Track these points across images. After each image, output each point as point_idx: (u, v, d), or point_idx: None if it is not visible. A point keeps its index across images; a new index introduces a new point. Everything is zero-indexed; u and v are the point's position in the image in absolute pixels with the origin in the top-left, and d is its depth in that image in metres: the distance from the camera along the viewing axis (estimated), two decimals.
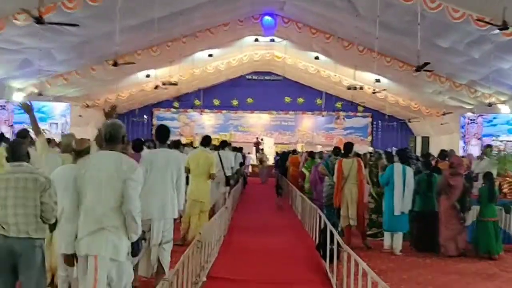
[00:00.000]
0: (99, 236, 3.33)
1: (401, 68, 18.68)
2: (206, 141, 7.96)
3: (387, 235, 7.44)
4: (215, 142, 19.86)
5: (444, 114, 19.68)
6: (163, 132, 5.52)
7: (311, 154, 12.10)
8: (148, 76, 21.74)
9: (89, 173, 3.44)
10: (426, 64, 10.43)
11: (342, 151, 8.44)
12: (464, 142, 19.62)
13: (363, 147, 27.82)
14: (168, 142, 6.39)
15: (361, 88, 21.69)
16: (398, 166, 7.36)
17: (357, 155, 10.61)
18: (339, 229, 7.70)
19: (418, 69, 10.74)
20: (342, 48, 18.93)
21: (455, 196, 7.22)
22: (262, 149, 23.74)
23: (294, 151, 15.79)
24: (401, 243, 7.44)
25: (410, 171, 7.41)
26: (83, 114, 23.26)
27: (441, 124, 22.07)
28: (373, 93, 16.73)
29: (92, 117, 25.25)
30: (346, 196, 7.82)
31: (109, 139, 3.51)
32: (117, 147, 3.53)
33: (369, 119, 31.20)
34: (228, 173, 10.08)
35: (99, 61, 18.05)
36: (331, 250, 5.58)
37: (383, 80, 21.49)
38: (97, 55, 17.19)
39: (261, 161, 21.51)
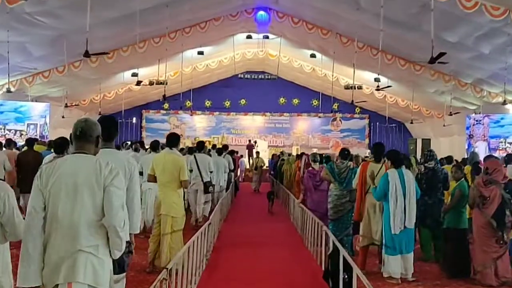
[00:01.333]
0: (74, 260, 2.73)
1: (403, 66, 17.59)
2: (171, 141, 6.31)
3: (393, 260, 5.74)
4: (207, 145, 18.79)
5: (451, 114, 18.57)
6: (105, 127, 3.74)
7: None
8: (135, 75, 20.44)
9: (58, 181, 2.82)
10: (441, 54, 9.24)
11: (372, 154, 7.13)
12: (470, 144, 18.51)
13: (360, 150, 26.78)
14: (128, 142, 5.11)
15: (359, 87, 20.65)
16: (392, 173, 5.87)
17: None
18: (356, 247, 6.46)
19: (432, 61, 9.54)
20: (340, 44, 17.82)
21: (491, 210, 5.79)
22: (258, 153, 21.16)
23: (302, 154, 13.96)
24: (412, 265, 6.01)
25: (408, 175, 5.95)
26: (67, 115, 21.99)
27: (444, 125, 20.97)
28: (377, 89, 15.55)
29: (76, 118, 23.99)
30: (367, 208, 6.33)
31: (79, 136, 2.95)
32: (89, 147, 2.96)
33: (367, 121, 30.16)
34: (206, 179, 8.84)
35: (80, 58, 16.81)
36: (346, 282, 4.34)
37: (383, 79, 20.44)
38: (78, 51, 15.82)
39: (256, 166, 18.88)
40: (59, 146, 6.06)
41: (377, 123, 29.55)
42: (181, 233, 5.94)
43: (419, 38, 14.85)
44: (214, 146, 15.10)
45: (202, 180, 8.79)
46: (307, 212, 7.86)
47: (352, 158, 8.95)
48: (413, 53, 16.58)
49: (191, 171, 8.94)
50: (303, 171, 11.60)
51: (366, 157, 14.42)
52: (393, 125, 28.10)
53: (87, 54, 10.46)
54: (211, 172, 9.09)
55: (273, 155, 22.07)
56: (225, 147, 13.69)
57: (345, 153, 7.72)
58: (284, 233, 9.56)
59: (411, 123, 23.62)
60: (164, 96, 18.89)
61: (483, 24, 12.44)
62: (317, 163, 8.70)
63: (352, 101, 19.74)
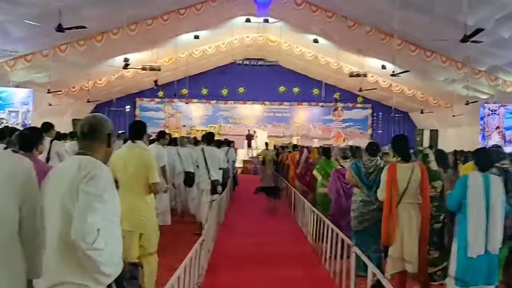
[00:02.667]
0: None
1: (413, 52, 16.44)
2: (135, 130, 4.67)
3: None
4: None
5: (467, 103, 17.46)
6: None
7: (325, 152, 8.39)
8: (127, 60, 19.17)
9: (45, 192, 2.39)
10: (478, 31, 8.07)
11: (396, 150, 5.13)
12: (484, 136, 17.39)
13: (363, 141, 25.72)
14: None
15: (364, 75, 19.55)
16: (475, 178, 4.24)
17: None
18: (390, 274, 4.75)
19: (466, 39, 8.39)
20: (346, 28, 16.62)
21: None
22: (267, 144, 17.50)
23: (302, 147, 11.67)
24: None
25: (497, 183, 4.26)
26: (55, 102, 20.82)
27: (453, 116, 19.88)
28: (392, 75, 14.30)
29: (66, 106, 22.87)
30: (401, 224, 4.75)
31: (86, 133, 2.48)
32: (98, 147, 2.49)
33: (369, 111, 29.06)
34: (215, 177, 7.48)
35: (67, 40, 15.64)
36: None
37: (390, 66, 19.34)
38: (64, 33, 14.73)
39: (264, 160, 15.22)
40: (25, 142, 3.94)
41: (380, 113, 28.53)
42: (155, 256, 4.53)
43: (433, 21, 13.78)
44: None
45: (210, 178, 7.47)
46: (325, 222, 6.18)
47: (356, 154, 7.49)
48: (424, 39, 15.53)
49: (197, 167, 7.75)
50: (302, 168, 10.39)
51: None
52: (398, 115, 26.95)
53: (60, 28, 9.21)
54: (220, 168, 7.77)
55: (274, 146, 20.83)
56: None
57: (373, 149, 6.01)
58: (293, 241, 8.02)
59: (422, 112, 22.37)
60: (155, 82, 17.68)
61: (506, 4, 11.33)
62: (348, 160, 7.07)
63: (360, 88, 18.62)
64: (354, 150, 7.17)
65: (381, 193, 4.94)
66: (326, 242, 5.84)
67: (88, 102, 22.24)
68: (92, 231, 2.19)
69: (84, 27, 9.92)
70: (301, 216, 8.82)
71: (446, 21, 13.35)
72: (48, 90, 18.05)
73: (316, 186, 8.13)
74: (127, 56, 18.94)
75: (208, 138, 8.11)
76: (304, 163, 10.45)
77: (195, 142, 10.94)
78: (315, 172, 8.04)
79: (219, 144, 9.85)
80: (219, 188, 7.60)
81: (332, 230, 5.56)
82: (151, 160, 4.51)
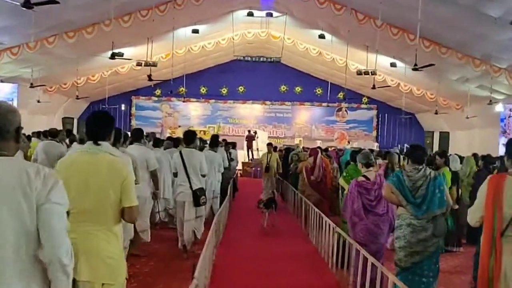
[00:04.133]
0: None
1: (427, 48, 15.30)
2: (100, 127, 3.00)
3: None
4: (202, 135, 16.11)
5: (490, 102, 16.34)
6: None
7: (355, 156, 6.42)
8: (120, 54, 17.88)
9: None
10: None
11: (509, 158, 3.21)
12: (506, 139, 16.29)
13: (367, 143, 24.62)
14: None
15: (373, 73, 18.40)
16: None
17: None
18: None
19: None
20: (355, 22, 15.49)
21: None
22: (271, 144, 13.75)
23: (318, 150, 9.86)
24: None
25: None
26: (45, 99, 19.68)
27: (467, 117, 18.77)
28: (414, 69, 13.00)
29: (56, 103, 21.74)
30: (504, 267, 3.04)
31: None
32: (8, 146, 2.02)
33: (374, 112, 27.94)
34: (197, 185, 6.21)
35: (55, 32, 14.53)
36: None
37: (399, 64, 18.27)
38: (51, 23, 13.62)
39: (267, 167, 11.87)
40: None
41: (386, 114, 27.43)
42: None
43: (455, 14, 12.68)
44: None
45: (191, 187, 6.16)
46: (360, 252, 4.49)
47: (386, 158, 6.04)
48: (441, 33, 14.44)
49: (175, 173, 6.42)
50: (319, 174, 9.13)
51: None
52: (407, 116, 25.74)
53: (27, 4, 8.01)
54: (203, 175, 6.38)
55: (274, 147, 19.64)
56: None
57: (419, 154, 4.44)
58: (310, 268, 6.34)
59: (436, 113, 21.12)
60: (149, 76, 16.54)
61: None
62: (372, 169, 5.41)
63: (374, 85, 17.59)
64: (384, 155, 5.89)
65: (474, 215, 3.31)
66: (362, 276, 4.37)
67: (78, 98, 21.02)
68: (69, 248, 2.01)
69: (57, 2, 8.53)
70: (316, 233, 7.31)
71: (470, 13, 12.28)
72: (31, 84, 16.76)
73: (340, 195, 6.67)
74: (121, 50, 17.78)
75: (187, 138, 6.59)
76: (319, 168, 9.25)
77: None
78: (341, 181, 6.53)
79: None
80: (204, 199, 6.27)
81: (374, 266, 4.04)
82: (127, 172, 2.93)
